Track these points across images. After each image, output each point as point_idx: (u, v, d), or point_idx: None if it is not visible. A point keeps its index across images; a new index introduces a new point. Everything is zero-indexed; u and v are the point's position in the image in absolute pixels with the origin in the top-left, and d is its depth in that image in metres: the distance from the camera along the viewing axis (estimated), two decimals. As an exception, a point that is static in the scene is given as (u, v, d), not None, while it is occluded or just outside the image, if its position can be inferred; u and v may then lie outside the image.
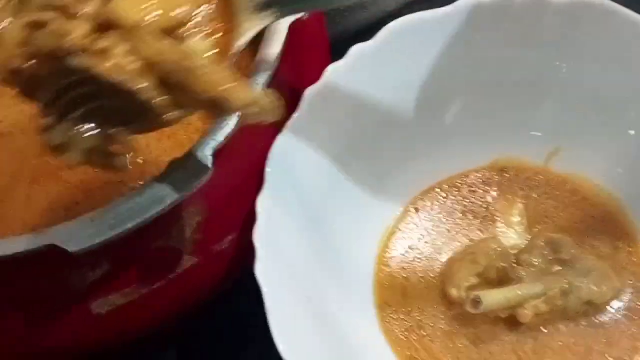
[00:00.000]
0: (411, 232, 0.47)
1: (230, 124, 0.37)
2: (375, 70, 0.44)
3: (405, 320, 0.45)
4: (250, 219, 0.40)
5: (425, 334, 0.45)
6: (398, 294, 0.46)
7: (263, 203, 0.40)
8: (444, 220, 0.48)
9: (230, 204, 0.41)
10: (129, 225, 0.36)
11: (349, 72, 0.43)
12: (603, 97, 0.45)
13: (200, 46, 0.35)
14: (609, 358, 0.43)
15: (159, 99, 0.33)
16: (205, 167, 0.36)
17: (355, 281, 0.45)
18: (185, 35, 0.34)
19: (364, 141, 0.45)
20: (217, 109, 0.34)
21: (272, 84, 0.39)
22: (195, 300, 0.42)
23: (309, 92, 0.42)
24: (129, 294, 0.39)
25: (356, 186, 0.46)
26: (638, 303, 0.45)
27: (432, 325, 0.45)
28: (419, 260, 0.47)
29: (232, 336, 0.47)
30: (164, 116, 0.34)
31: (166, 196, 0.36)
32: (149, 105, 0.33)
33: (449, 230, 0.47)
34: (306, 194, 0.43)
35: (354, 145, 0.45)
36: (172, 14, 0.34)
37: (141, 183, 0.42)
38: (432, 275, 0.46)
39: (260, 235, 0.39)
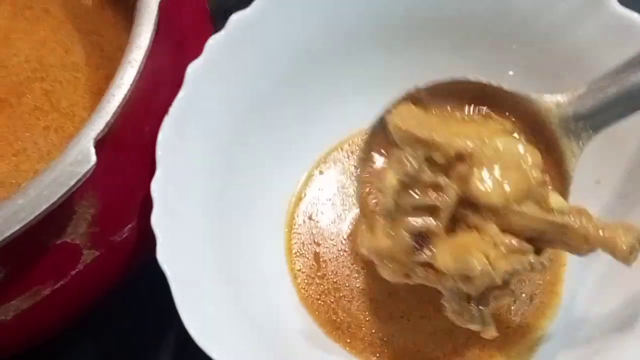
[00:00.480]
0: (317, 196, 0.47)
1: (109, 112, 0.36)
2: (258, 36, 0.43)
3: (321, 284, 0.45)
4: (147, 204, 0.39)
5: (341, 295, 0.45)
6: (311, 259, 0.46)
7: (157, 187, 0.39)
8: (349, 181, 0.47)
9: (124, 192, 0.40)
10: (17, 228, 0.35)
11: (231, 42, 0.42)
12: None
13: (560, 202, 0.38)
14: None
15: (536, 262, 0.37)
16: (88, 158, 0.35)
17: (266, 252, 0.45)
18: (540, 194, 0.37)
19: (257, 111, 0.45)
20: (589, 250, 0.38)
21: (149, 64, 0.38)
22: (102, 292, 0.41)
23: (191, 68, 0.41)
24: (32, 296, 0.38)
25: (256, 158, 0.45)
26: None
27: (348, 285, 0.45)
28: (327, 224, 0.46)
29: (148, 319, 0.46)
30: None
31: (51, 193, 0.35)
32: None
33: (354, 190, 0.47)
34: (203, 173, 0.42)
35: (248, 117, 0.44)
36: (530, 181, 0.37)
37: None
38: (342, 237, 0.46)
39: (158, 220, 0.38)
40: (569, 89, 0.39)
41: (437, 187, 0.38)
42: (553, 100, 0.39)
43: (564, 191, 0.39)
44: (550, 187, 0.39)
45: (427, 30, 0.46)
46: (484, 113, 0.40)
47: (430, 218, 0.38)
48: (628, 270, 0.41)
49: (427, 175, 0.38)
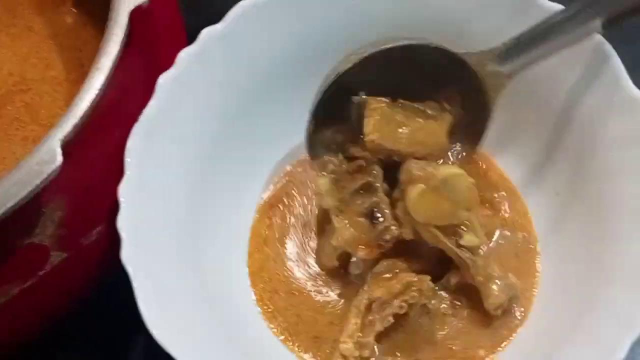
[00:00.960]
0: (287, 203, 0.48)
1: (77, 115, 0.38)
2: (227, 51, 0.45)
3: (282, 295, 0.46)
4: (116, 209, 0.40)
5: (303, 308, 0.45)
6: (270, 262, 0.47)
7: (124, 192, 0.40)
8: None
9: (92, 196, 0.41)
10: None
11: (201, 55, 0.44)
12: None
13: (471, 242, 0.43)
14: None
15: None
16: (54, 158, 0.37)
17: (231, 257, 0.46)
18: (461, 232, 0.43)
19: (225, 122, 0.46)
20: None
21: (118, 73, 0.39)
22: (72, 295, 0.42)
23: (162, 79, 0.43)
24: (1, 295, 0.39)
25: (223, 167, 0.46)
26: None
27: (310, 300, 0.46)
28: (295, 230, 0.48)
29: (118, 324, 0.46)
30: None
31: (17, 191, 0.36)
32: None
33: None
34: (171, 180, 0.43)
35: (217, 127, 0.46)
36: (454, 219, 0.43)
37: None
38: (307, 248, 0.47)
39: (123, 223, 0.40)
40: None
41: (363, 169, 0.44)
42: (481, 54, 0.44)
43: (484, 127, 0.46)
44: (466, 228, 0.43)
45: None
46: (440, 108, 0.46)
47: (372, 197, 0.44)
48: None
49: (349, 166, 0.45)
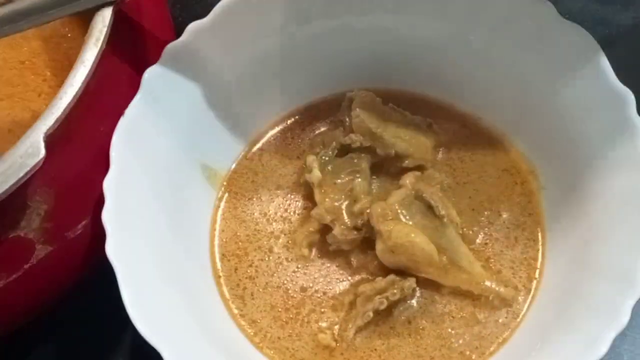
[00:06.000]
0: (268, 195, 0.48)
1: (60, 108, 0.38)
2: (214, 45, 0.45)
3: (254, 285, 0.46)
4: (102, 203, 0.41)
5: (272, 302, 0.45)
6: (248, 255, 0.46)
7: (109, 185, 0.40)
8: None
9: (78, 189, 0.41)
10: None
11: (187, 49, 0.44)
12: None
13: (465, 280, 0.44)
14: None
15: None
16: (37, 151, 0.37)
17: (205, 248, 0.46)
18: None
19: (209, 114, 0.46)
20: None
21: (103, 66, 0.39)
22: (57, 289, 0.42)
23: (148, 73, 0.43)
24: (-15, 289, 0.39)
25: (204, 158, 0.47)
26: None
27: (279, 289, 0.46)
28: (275, 220, 0.47)
29: (104, 321, 0.47)
30: None
31: (1, 184, 0.36)
32: None
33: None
34: (155, 174, 0.43)
35: (200, 119, 0.46)
36: (419, 272, 0.44)
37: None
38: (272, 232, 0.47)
39: (108, 216, 0.40)
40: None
41: (351, 162, 0.47)
42: None
43: None
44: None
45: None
46: (427, 124, 0.48)
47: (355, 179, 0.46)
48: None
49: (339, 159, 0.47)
